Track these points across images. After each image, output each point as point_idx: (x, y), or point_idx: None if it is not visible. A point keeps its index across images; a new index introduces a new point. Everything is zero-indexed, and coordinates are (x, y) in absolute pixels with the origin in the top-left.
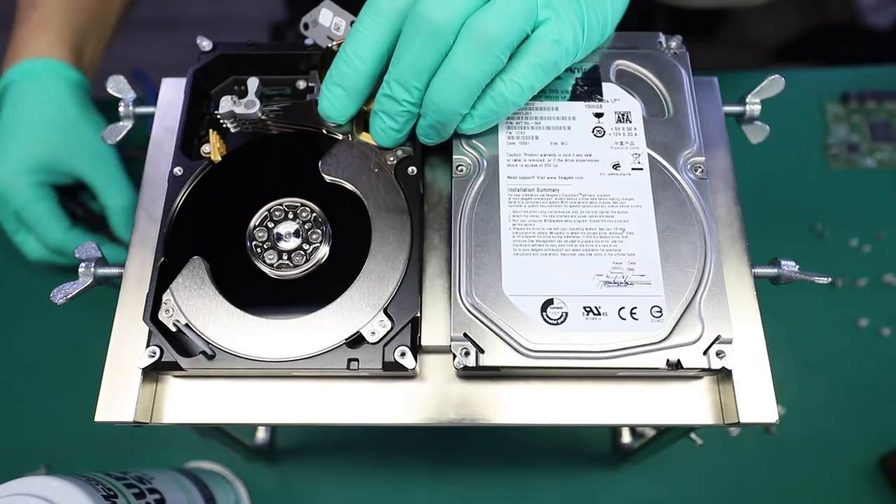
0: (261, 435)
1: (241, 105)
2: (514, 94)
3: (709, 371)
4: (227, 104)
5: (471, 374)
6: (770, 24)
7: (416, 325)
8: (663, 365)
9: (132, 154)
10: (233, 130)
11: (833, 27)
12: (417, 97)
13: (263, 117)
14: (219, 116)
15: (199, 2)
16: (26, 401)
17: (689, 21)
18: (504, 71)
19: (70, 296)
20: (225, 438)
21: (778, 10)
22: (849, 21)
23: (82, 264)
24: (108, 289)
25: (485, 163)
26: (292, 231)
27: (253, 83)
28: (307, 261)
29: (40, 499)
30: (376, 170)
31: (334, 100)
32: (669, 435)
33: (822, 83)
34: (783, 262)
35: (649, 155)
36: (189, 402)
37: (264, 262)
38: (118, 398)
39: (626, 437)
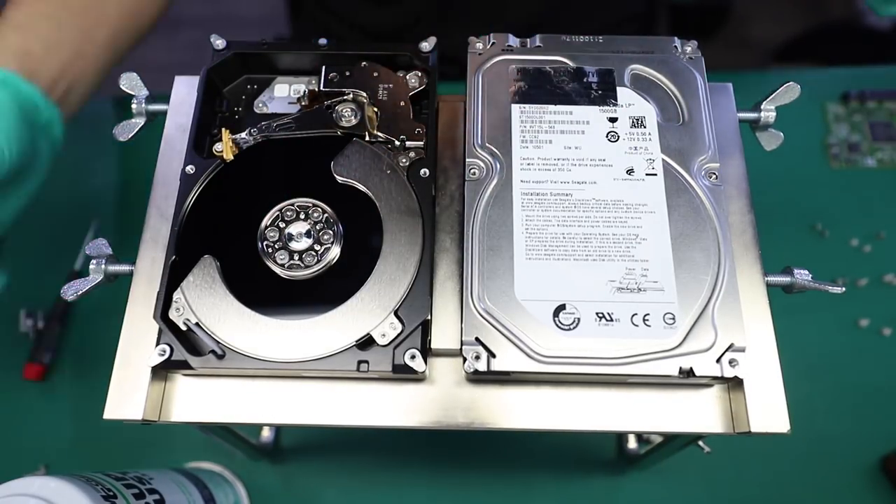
0: (265, 433)
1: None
2: None
3: (721, 379)
4: None
5: (480, 378)
6: (770, 24)
7: (426, 328)
8: (675, 372)
9: None
10: (244, 146)
11: (834, 27)
12: None
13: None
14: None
15: (199, 2)
16: (26, 401)
17: (690, 21)
18: None
19: (81, 292)
20: (229, 436)
21: (778, 9)
22: (849, 21)
23: (93, 261)
24: (112, 290)
25: (498, 166)
26: (304, 231)
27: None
28: (318, 261)
29: (39, 499)
30: (388, 171)
31: None
32: (676, 442)
33: (822, 83)
34: (796, 271)
35: (663, 160)
36: (197, 400)
37: (275, 262)
38: (127, 396)
39: (632, 443)
